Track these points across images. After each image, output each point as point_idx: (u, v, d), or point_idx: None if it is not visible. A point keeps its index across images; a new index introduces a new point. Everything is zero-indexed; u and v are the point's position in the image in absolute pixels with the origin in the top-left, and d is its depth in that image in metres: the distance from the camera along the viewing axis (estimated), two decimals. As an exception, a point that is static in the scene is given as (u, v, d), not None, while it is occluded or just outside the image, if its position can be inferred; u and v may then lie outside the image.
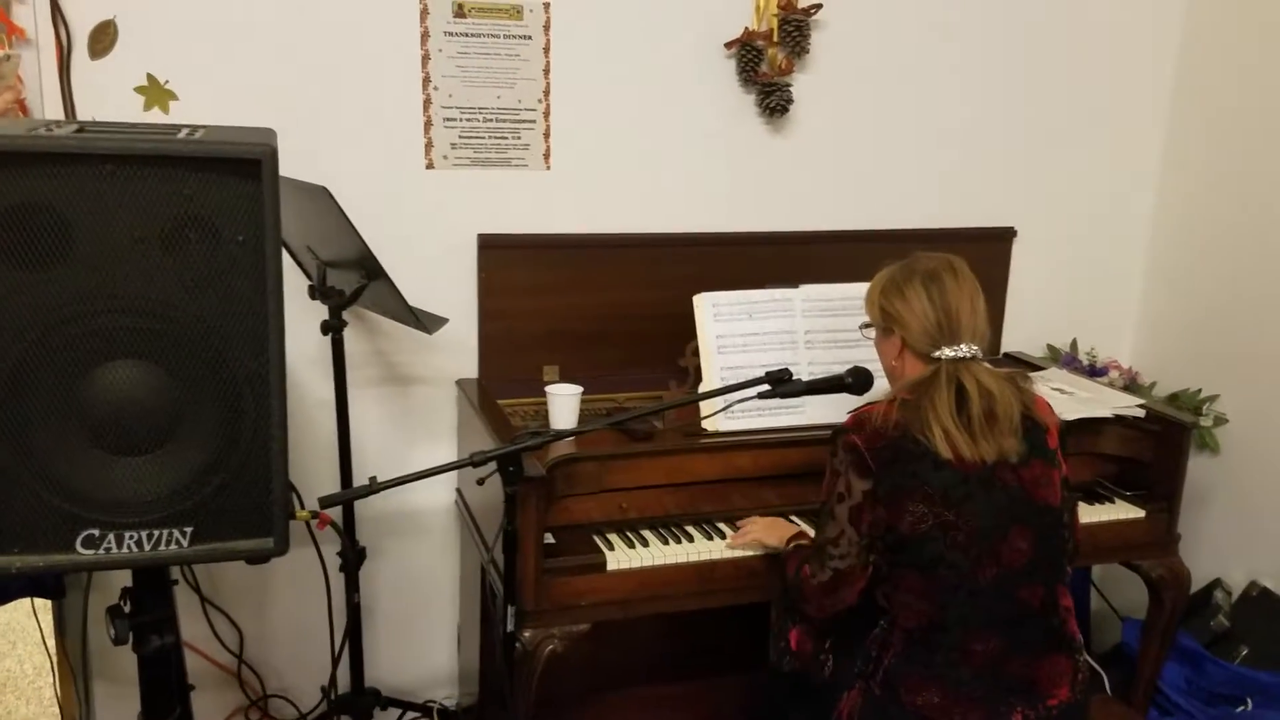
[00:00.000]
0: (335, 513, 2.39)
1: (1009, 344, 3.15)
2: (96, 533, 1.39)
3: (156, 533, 1.40)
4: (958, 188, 3.03)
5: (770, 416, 2.46)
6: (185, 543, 1.41)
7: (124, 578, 1.70)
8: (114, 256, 1.35)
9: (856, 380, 2.21)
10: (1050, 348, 3.18)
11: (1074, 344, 3.17)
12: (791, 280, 2.58)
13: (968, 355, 1.94)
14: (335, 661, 2.46)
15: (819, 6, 2.73)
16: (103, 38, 2.29)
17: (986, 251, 3.05)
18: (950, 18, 2.91)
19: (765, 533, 2.27)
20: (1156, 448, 2.62)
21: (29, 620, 3.14)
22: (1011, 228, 3.09)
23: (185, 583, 2.49)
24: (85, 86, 2.30)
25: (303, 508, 2.12)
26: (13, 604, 2.34)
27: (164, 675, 1.57)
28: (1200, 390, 3.04)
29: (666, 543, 2.28)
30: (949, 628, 1.89)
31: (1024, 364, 3.03)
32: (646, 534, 2.31)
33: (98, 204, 1.34)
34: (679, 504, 2.38)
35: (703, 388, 2.45)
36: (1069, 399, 2.67)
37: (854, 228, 2.92)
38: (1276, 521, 2.87)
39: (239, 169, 1.38)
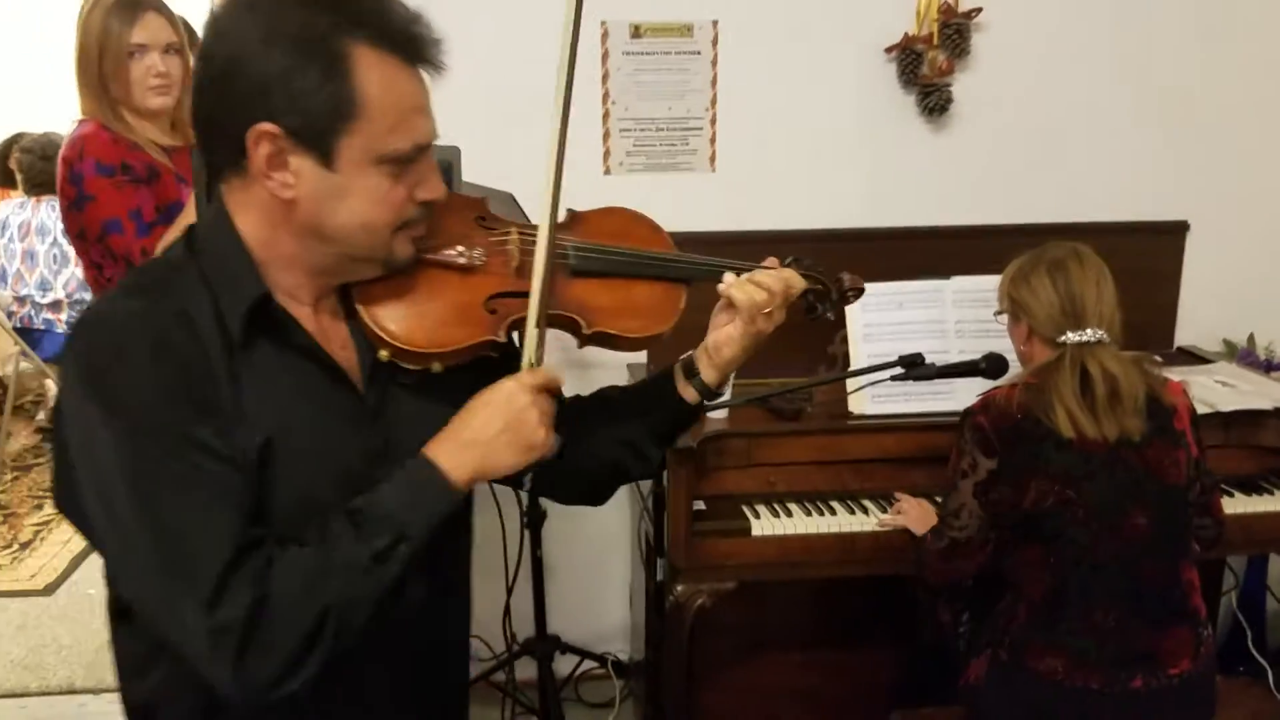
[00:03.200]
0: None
1: (1183, 338, 3.12)
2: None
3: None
4: (1124, 181, 3.02)
5: (918, 401, 2.58)
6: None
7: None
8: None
9: (990, 365, 2.28)
10: (1226, 342, 3.12)
11: (1250, 338, 3.10)
12: (950, 274, 2.68)
13: (1093, 340, 2.03)
14: (506, 608, 2.77)
15: (980, 10, 2.84)
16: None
17: (1157, 245, 3.04)
18: (1115, 11, 2.92)
19: (916, 523, 2.34)
20: (1324, 442, 2.58)
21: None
22: (1185, 221, 3.06)
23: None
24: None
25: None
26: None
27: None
28: (1390, 387, 2.92)
29: (810, 515, 2.47)
30: (1071, 599, 1.99)
31: (1195, 358, 3.01)
32: (792, 506, 2.48)
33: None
34: (826, 481, 2.53)
35: (849, 373, 2.61)
36: (1230, 391, 2.66)
37: (1017, 222, 2.97)
38: None
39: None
